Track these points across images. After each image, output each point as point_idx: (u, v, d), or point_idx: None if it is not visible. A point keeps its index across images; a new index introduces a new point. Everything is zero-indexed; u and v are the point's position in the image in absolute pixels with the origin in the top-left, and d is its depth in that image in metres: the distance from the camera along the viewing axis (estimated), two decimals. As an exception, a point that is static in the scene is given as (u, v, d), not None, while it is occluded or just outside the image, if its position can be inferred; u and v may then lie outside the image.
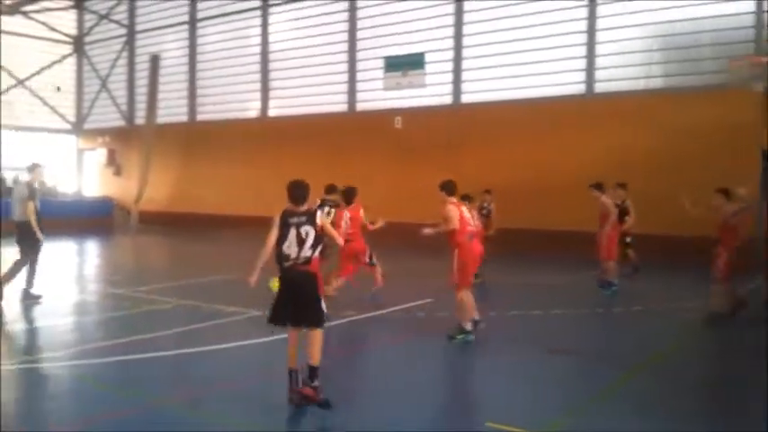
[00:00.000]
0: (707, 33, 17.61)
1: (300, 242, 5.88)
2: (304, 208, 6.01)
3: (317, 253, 5.93)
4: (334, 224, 9.94)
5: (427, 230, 8.40)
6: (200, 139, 27.38)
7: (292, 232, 5.87)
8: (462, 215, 8.34)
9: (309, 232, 5.88)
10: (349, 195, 10.71)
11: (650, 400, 6.44)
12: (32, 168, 11.04)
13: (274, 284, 7.03)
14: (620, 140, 17.75)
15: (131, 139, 29.86)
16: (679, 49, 18.05)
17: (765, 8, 16.39)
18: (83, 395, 6.53)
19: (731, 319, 9.61)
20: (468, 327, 8.32)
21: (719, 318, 9.60)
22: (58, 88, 30.32)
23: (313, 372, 5.80)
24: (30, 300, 10.57)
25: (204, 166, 26.92)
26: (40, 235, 10.60)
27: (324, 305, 6.01)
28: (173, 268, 16.74)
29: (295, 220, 5.91)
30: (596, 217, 12.49)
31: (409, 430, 5.54)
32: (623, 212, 13.39)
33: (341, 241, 6.23)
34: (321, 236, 5.96)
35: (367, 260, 11.09)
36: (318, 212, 6.09)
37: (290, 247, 5.87)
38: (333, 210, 10.39)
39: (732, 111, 16.51)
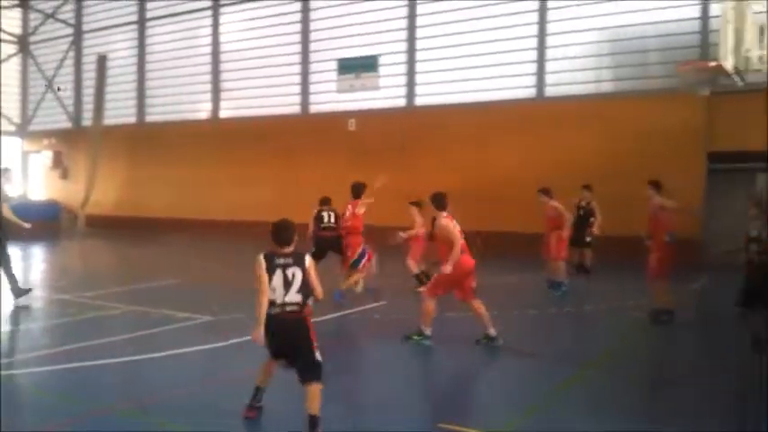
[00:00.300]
0: (654, 38, 18.00)
1: (287, 285, 5.36)
2: (290, 250, 5.48)
3: (307, 298, 5.43)
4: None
5: (402, 235, 8.45)
6: (148, 141, 26.85)
7: (278, 275, 5.35)
8: (459, 229, 8.23)
9: (297, 274, 5.38)
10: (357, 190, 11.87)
11: (601, 399, 6.52)
12: (3, 172, 10.82)
13: None
14: (569, 143, 18.00)
15: (78, 141, 29.11)
16: (627, 54, 18.41)
17: (710, 14, 16.78)
18: (27, 405, 6.30)
19: (672, 316, 9.73)
20: (428, 332, 8.31)
21: (664, 315, 9.70)
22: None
23: (314, 422, 5.23)
24: None
25: (153, 169, 26.40)
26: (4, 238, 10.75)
27: (318, 354, 5.43)
28: (121, 273, 16.35)
29: (281, 261, 5.39)
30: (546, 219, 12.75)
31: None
32: (589, 214, 13.85)
33: (320, 293, 5.50)
34: (308, 280, 5.44)
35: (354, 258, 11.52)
36: (307, 256, 5.53)
37: (274, 292, 5.34)
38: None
39: (679, 114, 16.92)
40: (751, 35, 12.28)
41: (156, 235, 23.66)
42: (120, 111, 28.13)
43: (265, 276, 5.32)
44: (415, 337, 8.32)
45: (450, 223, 8.21)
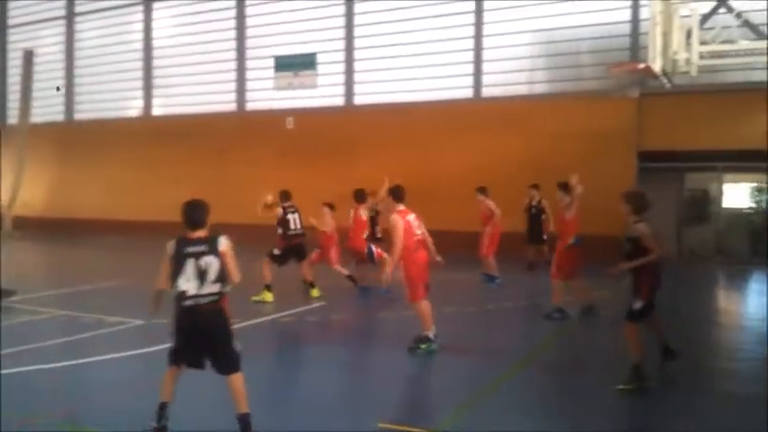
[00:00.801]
0: (586, 41, 18.42)
1: (201, 276, 5.00)
2: (203, 234, 5.12)
3: (225, 287, 5.10)
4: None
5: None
6: (78, 140, 26.03)
7: (190, 264, 4.99)
8: (408, 225, 7.93)
9: (212, 263, 5.00)
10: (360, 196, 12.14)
11: (533, 396, 6.61)
12: None
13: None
14: (505, 143, 18.27)
15: (4, 139, 27.97)
16: (561, 56, 18.79)
17: (640, 17, 17.27)
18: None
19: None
20: (431, 335, 7.93)
21: (556, 313, 9.82)
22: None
23: (245, 420, 5.05)
24: None
25: (83, 168, 25.61)
26: None
27: (237, 344, 5.19)
28: (51, 276, 15.80)
29: (193, 249, 5.02)
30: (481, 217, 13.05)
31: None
32: (540, 212, 14.44)
33: (236, 277, 5.09)
34: (225, 266, 5.06)
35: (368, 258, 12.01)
36: (221, 239, 5.13)
37: (187, 282, 4.98)
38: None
39: (610, 115, 17.38)
40: (678, 39, 12.70)
41: (87, 236, 22.96)
42: (48, 108, 27.18)
43: (168, 264, 5.05)
44: (422, 347, 7.86)
45: (398, 220, 7.85)
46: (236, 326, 9.03)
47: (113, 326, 9.28)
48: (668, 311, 11.16)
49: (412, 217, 8.05)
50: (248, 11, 23.14)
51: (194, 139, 23.00)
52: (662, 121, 17.02)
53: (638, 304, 6.64)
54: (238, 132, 22.55)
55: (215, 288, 5.04)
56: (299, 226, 11.64)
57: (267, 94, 22.83)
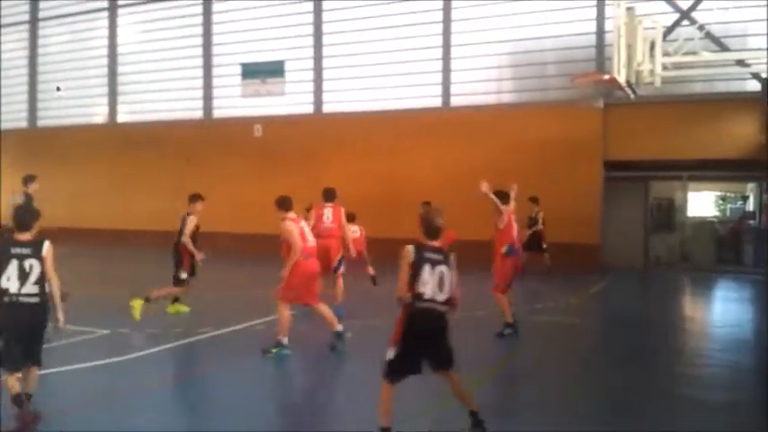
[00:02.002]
0: (552, 52, 18.62)
1: (23, 277, 5.23)
2: (28, 237, 5.40)
3: (45, 289, 5.32)
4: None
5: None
6: (42, 147, 25.54)
7: (13, 265, 5.20)
8: (302, 232, 8.06)
9: (34, 266, 5.26)
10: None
11: (505, 401, 6.59)
12: (30, 179, 12.06)
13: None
14: (473, 152, 18.31)
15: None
16: (527, 66, 18.94)
17: (605, 29, 17.48)
18: None
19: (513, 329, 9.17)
20: (284, 341, 7.91)
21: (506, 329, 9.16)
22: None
23: (26, 399, 5.29)
24: None
25: (47, 176, 24.88)
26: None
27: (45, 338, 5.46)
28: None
29: (18, 251, 5.25)
30: (453, 226, 12.90)
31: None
32: (536, 223, 15.53)
33: (55, 284, 5.40)
34: (46, 270, 5.32)
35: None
36: (46, 244, 5.43)
37: (9, 281, 5.18)
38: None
39: (576, 124, 17.54)
40: (642, 50, 12.85)
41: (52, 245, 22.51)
42: (10, 114, 26.64)
43: None
44: (273, 350, 7.87)
45: (293, 227, 7.97)
46: (186, 340, 8.93)
47: (77, 336, 9.04)
48: (635, 317, 11.37)
49: (303, 224, 8.31)
50: (215, 18, 22.97)
51: (161, 147, 22.72)
52: (627, 130, 17.23)
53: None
54: (206, 140, 22.32)
55: (35, 289, 5.26)
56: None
57: (234, 102, 22.66)
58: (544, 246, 15.67)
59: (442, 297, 5.02)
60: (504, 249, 8.99)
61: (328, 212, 10.35)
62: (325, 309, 8.19)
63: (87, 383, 7.15)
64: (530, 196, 15.11)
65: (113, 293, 12.73)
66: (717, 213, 20.84)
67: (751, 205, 20.29)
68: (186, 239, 10.11)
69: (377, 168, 19.42)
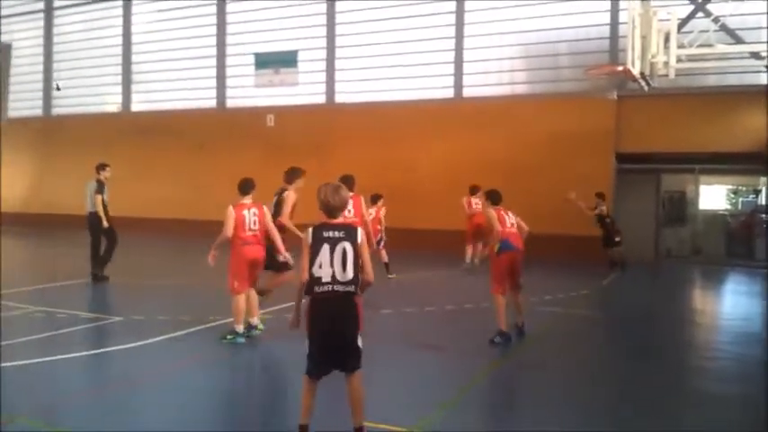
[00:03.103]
0: (566, 43, 18.55)
1: None
2: None
3: None
4: None
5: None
6: (56, 135, 25.76)
7: None
8: (242, 219, 8.00)
9: None
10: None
11: (514, 392, 6.65)
12: (102, 167, 13.24)
13: None
14: (486, 143, 18.35)
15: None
16: (540, 57, 18.90)
17: (619, 21, 17.42)
18: None
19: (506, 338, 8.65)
20: (240, 329, 8.03)
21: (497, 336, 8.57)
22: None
23: None
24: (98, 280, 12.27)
25: (62, 164, 25.31)
26: (105, 223, 12.56)
27: None
28: (29, 272, 15.52)
29: None
30: (462, 216, 13.04)
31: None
32: (605, 217, 15.30)
33: None
34: None
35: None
36: None
37: None
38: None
39: (588, 116, 17.51)
40: (656, 42, 12.81)
41: (65, 232, 22.67)
42: (25, 103, 26.86)
43: None
44: (228, 337, 8.02)
45: (231, 211, 7.98)
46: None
47: (90, 322, 9.20)
48: (646, 310, 11.41)
49: (254, 211, 8.11)
50: (229, 7, 23.04)
51: (174, 136, 22.86)
52: (640, 123, 17.18)
53: None
54: (219, 129, 22.44)
55: None
56: None
57: (248, 92, 22.75)
58: (617, 239, 15.36)
59: (346, 277, 4.69)
60: (496, 247, 8.57)
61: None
62: (252, 297, 8.25)
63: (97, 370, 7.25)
64: (596, 192, 15.22)
65: (130, 280, 12.92)
66: (728, 206, 20.77)
67: (763, 199, 20.21)
68: (286, 219, 9.11)
69: (389, 158, 19.46)
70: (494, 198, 8.76)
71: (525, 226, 8.70)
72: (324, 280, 4.66)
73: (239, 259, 8.01)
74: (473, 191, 14.79)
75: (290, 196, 9.26)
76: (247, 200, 8.17)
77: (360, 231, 4.82)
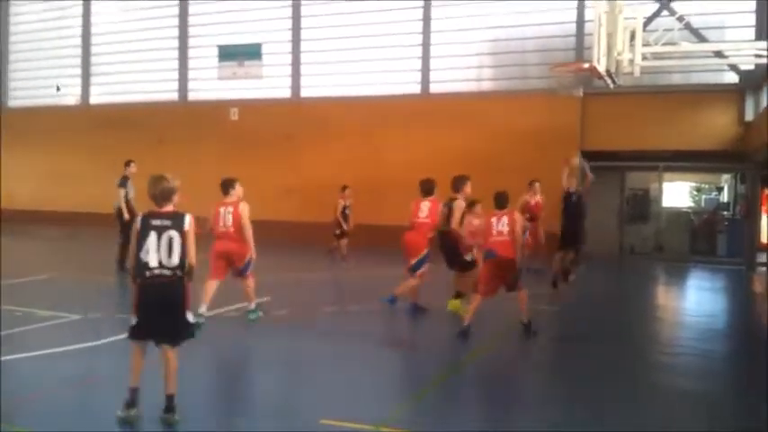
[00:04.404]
0: (533, 40, 18.60)
1: None
2: None
3: None
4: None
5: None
6: (13, 128, 25.04)
7: None
8: (216, 215, 8.77)
9: None
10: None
11: (479, 390, 6.58)
12: (128, 163, 13.95)
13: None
14: (451, 139, 18.30)
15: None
16: (507, 54, 18.91)
17: (586, 18, 17.47)
18: None
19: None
20: (203, 310, 8.54)
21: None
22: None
23: None
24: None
25: (19, 157, 24.63)
26: (126, 215, 13.02)
27: None
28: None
29: None
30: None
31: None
32: None
33: None
34: None
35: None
36: None
37: None
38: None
39: (554, 113, 17.56)
40: (622, 39, 12.84)
41: (22, 227, 22.08)
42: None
43: None
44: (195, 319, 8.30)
45: (211, 209, 8.79)
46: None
47: (46, 320, 8.88)
48: (611, 306, 11.44)
49: (223, 209, 8.82)
50: (190, -3, 22.62)
51: (134, 129, 22.34)
52: (605, 120, 17.28)
53: None
54: (180, 122, 22.02)
55: None
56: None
57: (211, 84, 22.37)
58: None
59: (171, 263, 5.09)
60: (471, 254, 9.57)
61: (425, 206, 9.86)
62: (209, 287, 8.76)
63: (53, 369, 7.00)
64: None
65: (91, 277, 12.59)
66: (692, 204, 21.03)
67: (725, 196, 20.52)
68: (456, 226, 9.57)
69: (354, 153, 19.31)
70: (497, 201, 8.81)
71: (519, 233, 8.59)
72: (151, 265, 5.06)
73: (211, 251, 8.75)
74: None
75: (459, 205, 9.73)
76: (230, 198, 8.84)
77: (187, 219, 5.18)
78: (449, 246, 9.80)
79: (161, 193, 5.22)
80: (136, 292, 5.16)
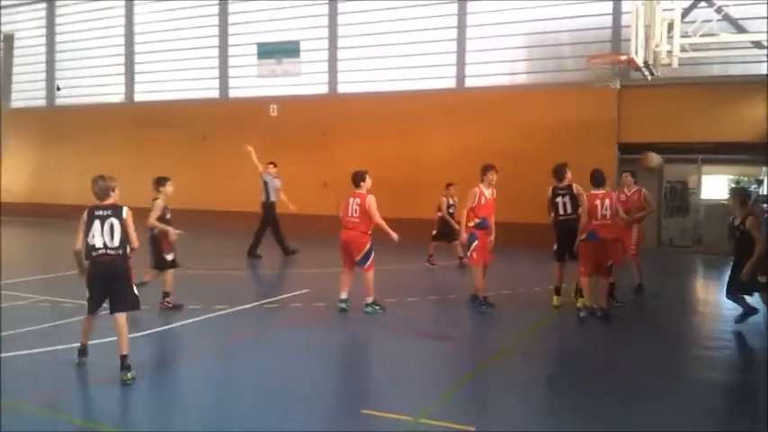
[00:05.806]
0: (568, 33, 18.54)
1: None
2: None
3: None
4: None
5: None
6: (60, 125, 25.78)
7: None
8: (346, 206, 9.25)
9: None
10: None
11: (518, 381, 6.71)
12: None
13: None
14: (487, 133, 18.35)
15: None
16: (542, 47, 18.89)
17: (622, 10, 17.39)
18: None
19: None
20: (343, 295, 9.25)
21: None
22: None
23: None
24: None
25: (65, 154, 25.36)
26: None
27: None
28: (33, 262, 15.66)
29: None
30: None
31: (281, 426, 5.40)
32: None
33: None
34: None
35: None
36: None
37: None
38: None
39: (591, 106, 17.50)
40: (660, 31, 12.82)
41: (69, 222, 22.64)
42: (28, 93, 26.86)
43: None
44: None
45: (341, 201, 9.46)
46: (221, 312, 9.11)
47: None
48: (649, 299, 11.44)
49: (351, 200, 9.46)
50: (231, -4, 23.01)
51: (177, 126, 22.88)
52: (642, 112, 17.18)
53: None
54: (222, 119, 22.46)
55: None
56: (569, 210, 9.87)
57: (250, 81, 22.76)
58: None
59: (113, 244, 6.32)
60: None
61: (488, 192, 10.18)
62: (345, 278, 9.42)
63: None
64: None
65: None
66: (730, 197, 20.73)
67: (765, 189, 20.19)
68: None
69: (390, 148, 19.49)
70: (594, 179, 9.56)
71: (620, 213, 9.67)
72: (97, 246, 6.32)
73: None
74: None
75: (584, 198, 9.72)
76: (359, 190, 9.57)
77: (125, 210, 6.42)
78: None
79: (101, 190, 6.50)
80: (88, 268, 6.34)
